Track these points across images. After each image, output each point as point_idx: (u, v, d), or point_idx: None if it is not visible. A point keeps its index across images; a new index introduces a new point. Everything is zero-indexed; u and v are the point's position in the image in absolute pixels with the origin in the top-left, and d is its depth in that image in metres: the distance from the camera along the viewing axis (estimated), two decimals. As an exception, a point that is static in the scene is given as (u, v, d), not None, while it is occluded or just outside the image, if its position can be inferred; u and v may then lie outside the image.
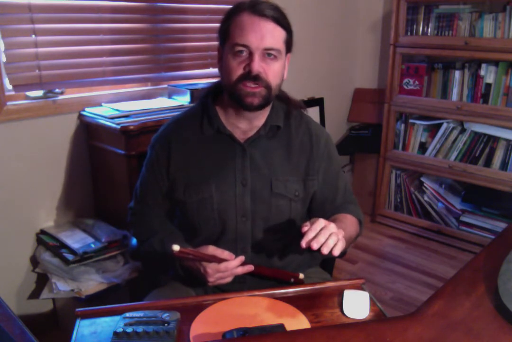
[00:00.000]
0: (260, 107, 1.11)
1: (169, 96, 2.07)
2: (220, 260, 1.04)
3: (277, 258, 1.20)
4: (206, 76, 2.25)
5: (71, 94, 1.86)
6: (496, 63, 2.41)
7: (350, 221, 1.18)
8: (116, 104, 1.89)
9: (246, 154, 1.15)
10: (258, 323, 0.90)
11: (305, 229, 0.95)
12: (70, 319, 1.42)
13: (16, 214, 1.78)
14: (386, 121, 2.83)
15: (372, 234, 2.86)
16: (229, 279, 1.08)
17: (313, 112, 2.77)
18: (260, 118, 1.16)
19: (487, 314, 0.79)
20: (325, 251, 0.93)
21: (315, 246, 0.92)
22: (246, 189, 1.14)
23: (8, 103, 1.68)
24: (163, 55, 2.06)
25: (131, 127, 1.67)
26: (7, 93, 1.67)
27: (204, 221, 1.16)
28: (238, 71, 1.06)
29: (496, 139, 2.50)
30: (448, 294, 0.85)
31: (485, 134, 2.53)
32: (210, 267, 1.04)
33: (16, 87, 1.67)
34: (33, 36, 1.66)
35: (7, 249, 1.77)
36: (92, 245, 1.72)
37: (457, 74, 2.54)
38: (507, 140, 2.46)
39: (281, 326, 0.86)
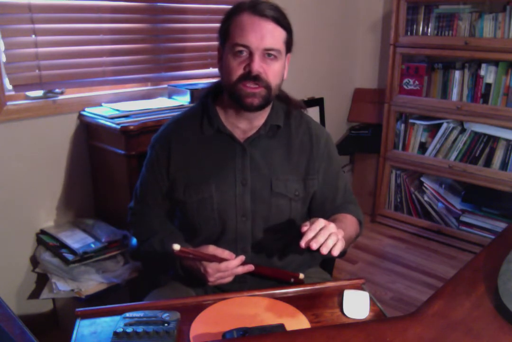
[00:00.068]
0: (260, 107, 1.11)
1: (169, 96, 2.07)
2: (220, 260, 1.04)
3: (277, 258, 1.20)
4: (206, 76, 2.25)
5: (71, 94, 1.86)
6: (496, 63, 2.41)
7: (350, 221, 1.18)
8: (116, 104, 1.89)
9: (246, 154, 1.15)
10: (258, 323, 0.90)
11: (304, 228, 0.95)
12: (70, 319, 1.42)
13: (16, 214, 1.78)
14: (386, 121, 2.83)
15: (372, 234, 2.86)
16: (229, 279, 1.08)
17: (313, 112, 2.77)
18: (260, 118, 1.16)
19: (487, 314, 0.79)
20: (324, 251, 0.93)
21: (314, 246, 0.92)
22: (246, 189, 1.14)
23: (8, 103, 1.68)
24: (163, 55, 2.06)
25: (131, 127, 1.67)
26: (7, 93, 1.67)
27: (204, 221, 1.16)
28: (238, 71, 1.06)
29: (496, 139, 2.50)
30: (448, 294, 0.85)
31: (485, 134, 2.53)
32: (211, 267, 1.04)
33: (16, 87, 1.67)
34: (33, 36, 1.66)
35: (7, 249, 1.77)
36: (92, 245, 1.72)
37: (457, 74, 2.54)
38: (507, 140, 2.46)
39: (281, 326, 0.86)
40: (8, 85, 1.66)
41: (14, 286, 1.83)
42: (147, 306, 0.98)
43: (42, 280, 1.80)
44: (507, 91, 2.39)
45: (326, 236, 0.94)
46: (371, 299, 1.01)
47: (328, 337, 0.77)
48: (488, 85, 2.45)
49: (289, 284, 1.13)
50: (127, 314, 0.89)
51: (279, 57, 1.08)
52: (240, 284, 1.16)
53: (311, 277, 1.22)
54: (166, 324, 0.86)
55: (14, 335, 0.69)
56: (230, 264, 1.05)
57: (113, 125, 1.69)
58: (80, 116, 1.86)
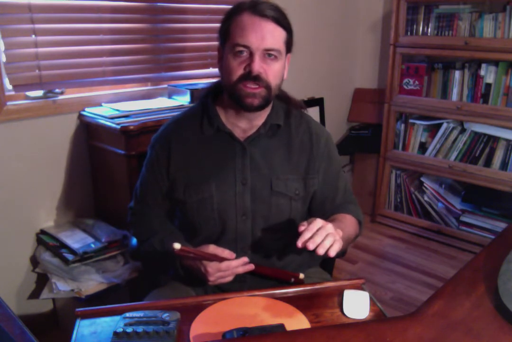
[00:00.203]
0: (260, 108, 1.11)
1: (169, 96, 2.07)
2: (221, 259, 1.04)
3: (277, 258, 1.20)
4: (206, 76, 2.25)
5: (71, 94, 1.86)
6: (496, 63, 2.41)
7: (349, 221, 1.18)
8: (116, 104, 1.89)
9: (246, 153, 1.15)
10: (258, 323, 0.90)
11: (301, 228, 0.95)
12: (70, 319, 1.42)
13: (16, 214, 1.78)
14: (386, 121, 2.83)
15: (372, 234, 2.86)
16: (229, 278, 1.07)
17: (313, 112, 2.77)
18: (260, 118, 1.16)
19: (487, 314, 0.79)
20: (321, 251, 0.93)
21: (311, 246, 0.92)
22: (246, 188, 1.14)
23: (8, 103, 1.68)
24: (163, 55, 2.06)
25: (131, 127, 1.67)
26: (7, 93, 1.67)
27: (204, 220, 1.16)
28: (239, 71, 1.07)
29: (496, 139, 2.50)
30: (448, 294, 0.85)
31: (485, 134, 2.53)
32: (211, 266, 1.04)
33: (16, 87, 1.67)
34: (33, 36, 1.66)
35: (7, 249, 1.77)
36: (92, 245, 1.72)
37: (457, 74, 2.54)
38: (507, 140, 2.46)
39: (281, 326, 0.86)
40: (8, 85, 1.66)
41: (14, 286, 1.83)
42: (147, 306, 0.98)
43: (42, 280, 1.80)
44: (507, 91, 2.39)
45: (323, 236, 0.94)
46: (371, 299, 1.01)
47: (328, 337, 0.77)
48: (488, 85, 2.45)
49: (289, 284, 1.13)
50: (127, 314, 0.89)
51: (279, 57, 1.08)
52: (240, 284, 1.16)
53: (311, 277, 1.22)
54: (166, 324, 0.86)
55: (14, 335, 0.69)
56: (231, 264, 1.05)
57: (113, 125, 1.69)
58: (80, 116, 1.86)
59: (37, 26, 1.66)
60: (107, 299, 1.63)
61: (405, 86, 2.73)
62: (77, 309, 0.96)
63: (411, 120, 2.79)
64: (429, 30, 2.61)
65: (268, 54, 1.06)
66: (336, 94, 3.05)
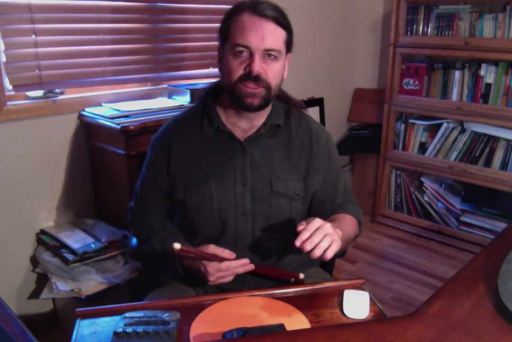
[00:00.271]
0: (260, 107, 1.11)
1: (169, 96, 2.07)
2: (221, 259, 1.04)
3: (277, 258, 1.20)
4: (206, 76, 2.25)
5: (71, 94, 1.86)
6: (496, 63, 2.41)
7: (349, 221, 1.18)
8: (116, 104, 1.89)
9: (246, 153, 1.15)
10: (258, 323, 0.90)
11: (300, 228, 0.95)
12: (70, 319, 1.42)
13: (16, 214, 1.78)
14: (386, 121, 2.83)
15: (372, 234, 2.86)
16: (229, 278, 1.07)
17: (313, 112, 2.77)
18: (260, 118, 1.16)
19: (487, 314, 0.79)
20: (317, 253, 0.93)
21: (308, 247, 0.92)
22: (246, 188, 1.14)
23: (8, 103, 1.68)
24: (163, 55, 2.06)
25: (131, 127, 1.67)
26: (7, 93, 1.67)
27: (204, 220, 1.16)
28: (239, 71, 1.07)
29: (496, 139, 2.50)
30: (448, 294, 0.85)
31: (485, 134, 2.53)
32: (211, 266, 1.04)
33: (16, 87, 1.67)
34: (33, 36, 1.66)
35: (7, 249, 1.77)
36: (92, 245, 1.72)
37: (457, 74, 2.54)
38: (507, 140, 2.46)
39: (281, 326, 0.86)
40: (8, 85, 1.66)
41: (14, 286, 1.83)
42: (147, 306, 0.98)
43: (42, 280, 1.80)
44: (507, 91, 2.39)
45: (321, 236, 0.94)
46: (371, 299, 1.01)
47: (328, 337, 0.77)
48: (488, 85, 2.45)
49: (289, 284, 1.13)
50: (127, 314, 0.89)
51: (279, 58, 1.08)
52: (240, 284, 1.16)
53: (311, 277, 1.22)
54: (166, 324, 0.86)
55: (14, 335, 0.69)
56: (232, 264, 1.05)
57: (113, 125, 1.69)
58: (80, 116, 1.86)
59: (37, 26, 1.66)
60: (107, 299, 1.63)
61: (405, 86, 2.73)
62: (77, 309, 0.96)
63: (411, 120, 2.79)
64: (429, 30, 2.61)
65: (268, 54, 1.06)
66: (336, 94, 3.05)
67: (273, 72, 1.08)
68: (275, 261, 1.20)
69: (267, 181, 1.15)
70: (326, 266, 1.37)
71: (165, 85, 2.14)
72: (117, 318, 0.90)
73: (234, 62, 1.07)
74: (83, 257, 1.68)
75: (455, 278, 0.89)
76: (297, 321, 0.93)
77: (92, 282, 1.66)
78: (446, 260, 2.56)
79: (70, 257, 1.68)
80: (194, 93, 1.95)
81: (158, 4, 1.99)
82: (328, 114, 2.90)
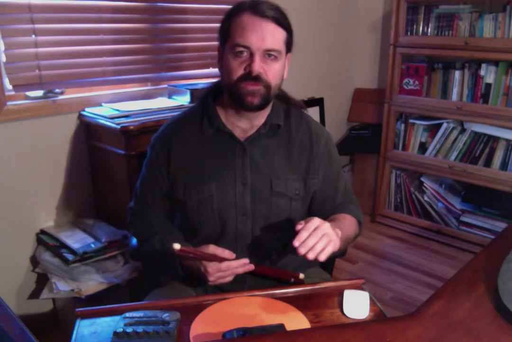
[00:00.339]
0: (260, 107, 1.11)
1: (169, 96, 2.07)
2: (220, 259, 1.04)
3: (277, 258, 1.20)
4: (206, 76, 2.25)
5: (71, 94, 1.86)
6: (496, 63, 2.41)
7: (348, 221, 1.18)
8: (116, 104, 1.89)
9: (246, 153, 1.15)
10: (258, 323, 0.90)
11: (298, 227, 0.96)
12: (70, 319, 1.42)
13: (16, 214, 1.78)
14: (386, 121, 2.83)
15: (372, 234, 2.86)
16: (229, 279, 1.07)
17: (313, 112, 2.77)
18: (260, 118, 1.16)
19: (487, 314, 0.79)
20: (310, 256, 0.93)
21: (302, 251, 0.92)
22: (246, 188, 1.14)
23: (8, 103, 1.68)
24: (163, 55, 2.06)
25: (131, 127, 1.67)
26: (7, 93, 1.67)
27: (204, 220, 1.16)
28: (239, 71, 1.07)
29: (496, 139, 2.50)
30: (448, 294, 0.85)
31: (485, 134, 2.53)
32: (211, 266, 1.04)
33: (16, 87, 1.67)
34: (33, 36, 1.66)
35: (7, 249, 1.77)
36: (92, 245, 1.72)
37: (457, 74, 2.54)
38: (507, 140, 2.46)
39: (281, 326, 0.86)
40: (8, 85, 1.66)
41: (14, 286, 1.83)
42: (147, 306, 0.98)
43: (42, 280, 1.80)
44: (507, 91, 2.39)
45: (319, 236, 0.94)
46: (371, 299, 1.01)
47: (328, 337, 0.77)
48: (488, 85, 2.45)
49: (289, 284, 1.13)
50: (127, 314, 0.89)
51: (279, 58, 1.08)
52: (240, 284, 1.16)
53: (311, 277, 1.22)
54: (166, 324, 0.87)
55: (14, 335, 0.69)
56: (231, 264, 1.05)
57: (113, 125, 1.69)
58: (80, 116, 1.86)
59: (37, 26, 1.66)
60: (107, 299, 1.63)
61: (405, 86, 2.73)
62: (77, 309, 0.96)
63: (411, 120, 2.79)
64: (429, 30, 2.61)
65: (268, 54, 1.06)
66: (336, 94, 3.05)
67: (273, 72, 1.08)
68: (275, 261, 1.20)
69: (267, 181, 1.15)
70: (326, 266, 1.37)
71: (165, 85, 2.14)
72: (117, 318, 0.90)
73: (234, 62, 1.07)
74: (83, 257, 1.68)
75: (455, 278, 0.89)
76: (297, 321, 0.93)
77: (92, 282, 1.66)
78: (446, 260, 2.56)
79: (70, 257, 1.68)
80: (194, 93, 1.95)
81: (158, 4, 1.99)
82: (328, 114, 2.90)
